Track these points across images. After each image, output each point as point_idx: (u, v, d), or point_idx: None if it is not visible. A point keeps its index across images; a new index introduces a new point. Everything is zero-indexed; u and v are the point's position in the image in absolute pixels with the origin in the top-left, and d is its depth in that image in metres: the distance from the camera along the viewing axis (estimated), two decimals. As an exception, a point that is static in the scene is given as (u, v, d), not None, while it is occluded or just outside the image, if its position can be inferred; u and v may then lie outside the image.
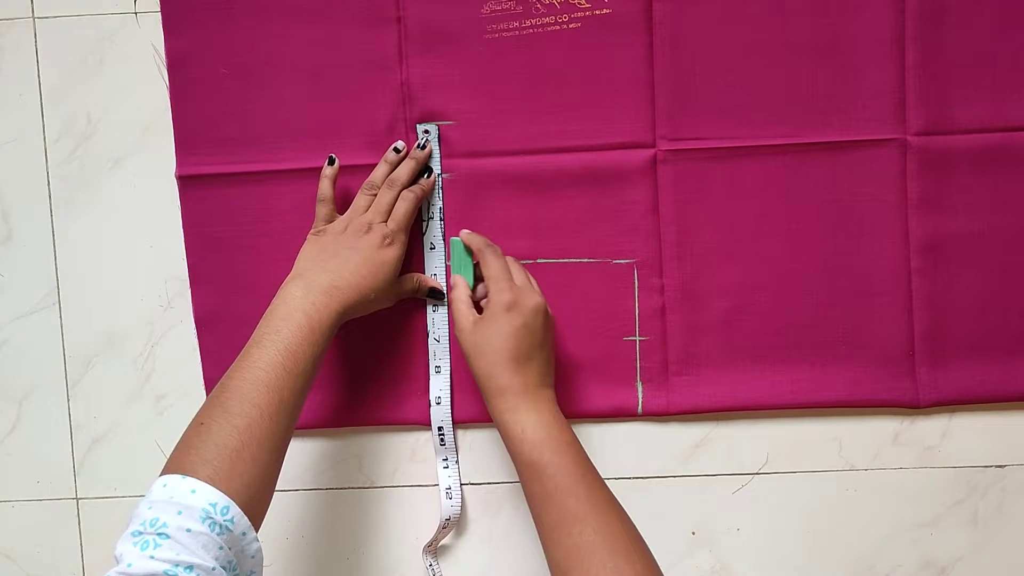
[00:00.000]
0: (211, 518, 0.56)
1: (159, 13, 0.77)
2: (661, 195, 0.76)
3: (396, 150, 0.75)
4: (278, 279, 0.76)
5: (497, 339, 0.68)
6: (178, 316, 0.79)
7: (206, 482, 0.57)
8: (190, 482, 0.57)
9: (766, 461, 0.78)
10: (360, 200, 0.74)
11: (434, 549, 0.78)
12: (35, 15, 0.78)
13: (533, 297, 0.69)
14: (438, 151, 0.76)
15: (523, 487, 0.66)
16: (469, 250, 0.74)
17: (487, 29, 0.75)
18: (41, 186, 0.79)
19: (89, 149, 0.78)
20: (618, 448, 0.78)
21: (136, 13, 0.77)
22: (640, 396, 0.77)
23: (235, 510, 0.57)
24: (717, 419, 0.78)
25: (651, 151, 0.75)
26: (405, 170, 0.74)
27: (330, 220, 0.74)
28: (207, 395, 0.78)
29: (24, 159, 0.79)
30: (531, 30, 0.75)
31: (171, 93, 0.77)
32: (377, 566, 0.80)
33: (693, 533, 0.79)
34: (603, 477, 0.78)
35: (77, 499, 0.80)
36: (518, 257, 0.76)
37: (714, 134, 0.75)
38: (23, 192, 0.79)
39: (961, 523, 0.78)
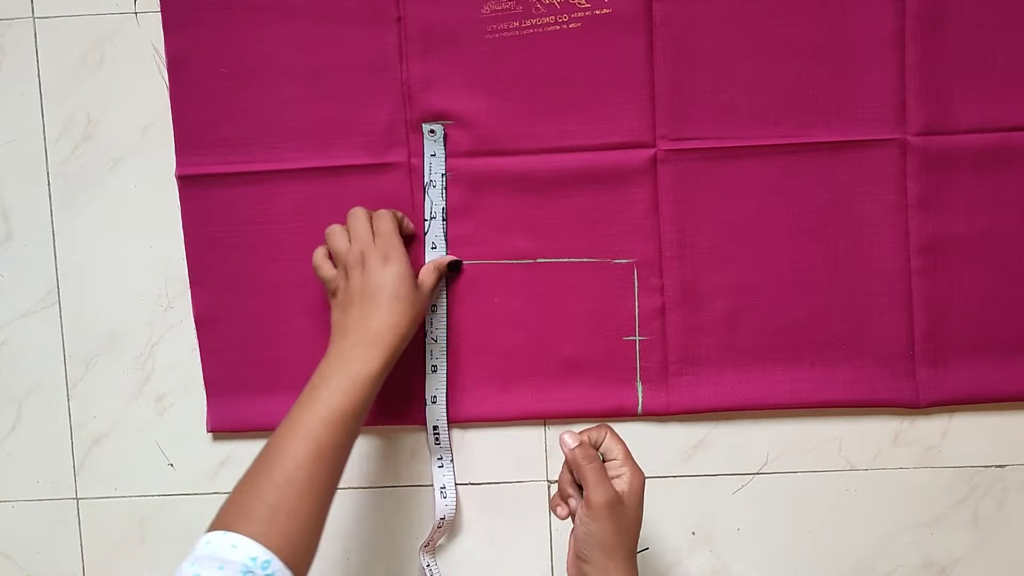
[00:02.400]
0: (251, 572, 0.56)
1: (158, 13, 0.77)
2: (661, 195, 0.76)
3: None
4: (278, 279, 0.76)
5: (636, 520, 0.65)
6: (178, 316, 0.79)
7: (247, 536, 0.57)
8: (231, 537, 0.57)
9: (766, 461, 0.78)
10: (339, 243, 0.71)
11: (431, 549, 0.78)
12: (35, 15, 0.78)
13: (626, 482, 0.65)
14: (443, 150, 0.76)
15: None
16: None
17: (487, 29, 0.75)
18: (41, 186, 0.79)
19: (89, 149, 0.78)
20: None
21: (136, 13, 0.77)
22: (640, 396, 0.77)
23: (276, 563, 0.57)
24: (717, 419, 0.78)
25: (651, 151, 0.75)
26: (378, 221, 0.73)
27: (335, 278, 0.71)
28: (207, 395, 0.78)
29: (24, 159, 0.79)
30: (531, 30, 0.75)
31: (171, 93, 0.77)
32: (377, 566, 0.80)
33: (693, 533, 0.79)
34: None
35: (77, 499, 0.80)
36: (518, 257, 0.76)
37: (714, 134, 0.75)
38: (23, 192, 0.79)
39: (961, 523, 0.78)
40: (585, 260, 0.77)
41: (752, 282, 0.76)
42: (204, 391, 0.79)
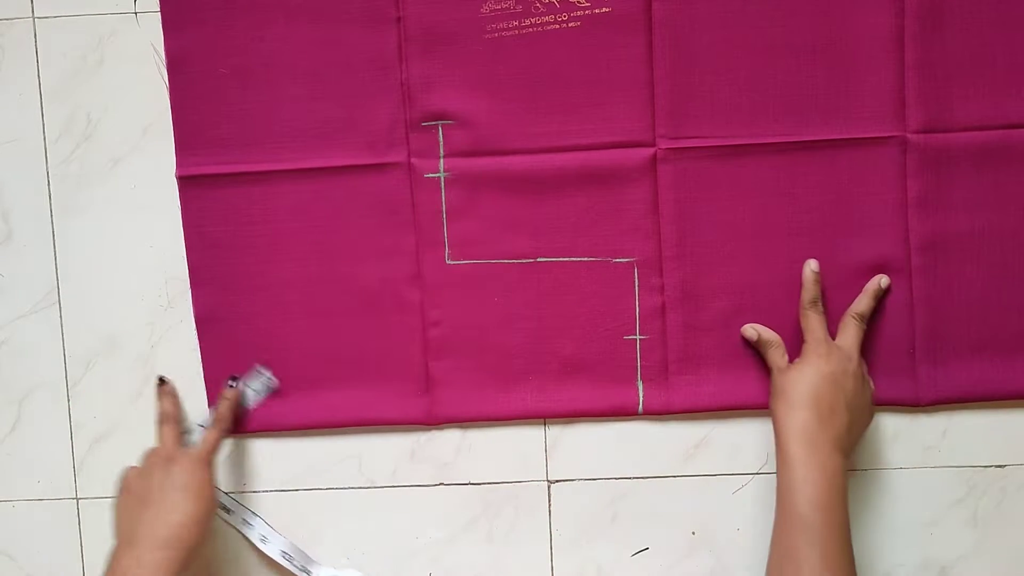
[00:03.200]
0: None
1: (158, 13, 0.77)
2: (661, 194, 0.76)
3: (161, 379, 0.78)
4: (278, 279, 0.76)
5: (801, 380, 0.70)
6: (178, 316, 0.79)
7: None
8: None
9: (766, 461, 0.78)
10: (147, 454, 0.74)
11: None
12: (35, 15, 0.78)
13: (848, 354, 0.71)
14: (441, 149, 0.76)
15: (776, 520, 0.68)
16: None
17: (487, 29, 0.75)
18: (41, 186, 0.79)
19: (89, 149, 0.78)
20: (618, 448, 0.78)
21: (136, 13, 0.77)
22: (641, 395, 0.77)
23: None
24: (717, 419, 0.78)
25: (651, 150, 0.75)
26: (167, 404, 0.76)
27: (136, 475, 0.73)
28: (208, 395, 0.78)
29: (24, 159, 0.79)
30: (531, 29, 0.75)
31: (171, 93, 0.77)
32: (377, 566, 0.79)
33: (693, 533, 0.79)
34: (604, 477, 0.78)
35: (77, 499, 0.80)
36: (518, 256, 0.76)
37: (714, 132, 0.75)
38: (23, 192, 0.79)
39: (961, 523, 0.78)
40: (585, 259, 0.77)
41: (752, 281, 0.76)
42: (205, 390, 0.79)
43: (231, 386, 0.76)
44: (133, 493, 0.72)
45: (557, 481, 0.79)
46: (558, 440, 0.78)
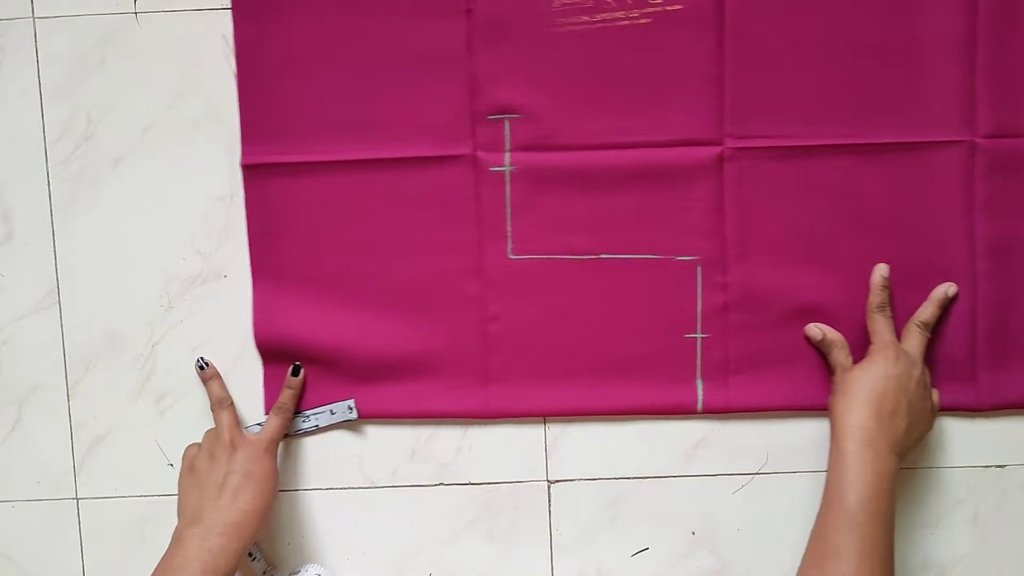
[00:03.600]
0: None
1: (159, 12, 0.77)
2: (726, 193, 0.75)
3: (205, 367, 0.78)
4: (338, 270, 0.76)
5: (865, 379, 0.70)
6: (178, 316, 0.79)
7: None
8: None
9: (766, 461, 0.78)
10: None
11: None
12: (35, 15, 0.78)
13: (913, 360, 0.72)
14: (507, 143, 0.76)
15: (821, 513, 0.68)
16: None
17: (557, 23, 0.75)
18: (41, 186, 0.79)
19: (89, 149, 0.78)
20: (618, 448, 0.78)
21: (136, 13, 0.77)
22: (700, 394, 0.77)
23: None
24: (717, 419, 0.78)
25: (718, 148, 0.75)
26: (217, 388, 0.77)
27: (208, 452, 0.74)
28: (265, 387, 0.78)
29: (24, 159, 0.79)
30: (601, 24, 0.74)
31: (238, 82, 0.76)
32: (377, 566, 0.79)
33: (693, 533, 0.79)
34: (604, 477, 0.78)
35: (77, 499, 0.80)
36: (581, 253, 0.76)
37: (781, 132, 0.75)
38: (23, 192, 0.79)
39: (961, 523, 0.78)
40: (647, 256, 0.76)
41: (816, 282, 0.76)
42: (263, 381, 0.78)
43: (293, 375, 0.76)
44: (198, 474, 0.72)
45: (557, 481, 0.79)
46: (558, 440, 0.78)
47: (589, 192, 0.76)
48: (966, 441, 0.77)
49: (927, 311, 0.74)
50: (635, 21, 0.74)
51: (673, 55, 0.75)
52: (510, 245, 0.77)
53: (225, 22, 0.77)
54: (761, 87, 0.74)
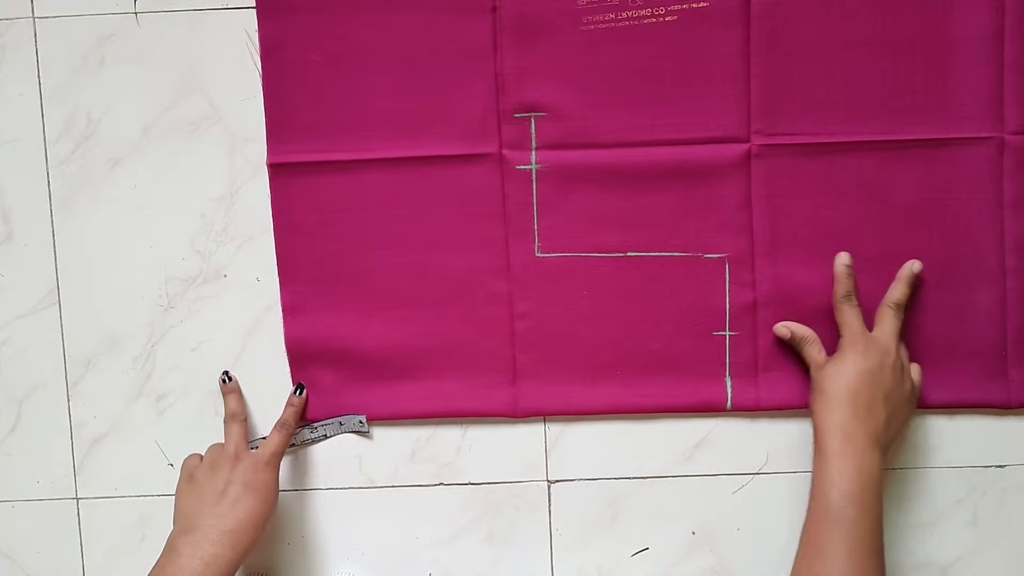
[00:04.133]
0: None
1: (159, 13, 0.77)
2: (754, 190, 0.75)
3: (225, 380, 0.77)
4: (365, 268, 0.76)
5: (840, 378, 0.69)
6: (178, 316, 0.79)
7: None
8: None
9: (766, 461, 0.78)
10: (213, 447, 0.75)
11: None
12: (35, 15, 0.78)
13: (885, 348, 0.71)
14: (533, 141, 0.76)
15: (808, 514, 0.68)
16: None
17: (583, 20, 0.75)
18: (41, 186, 0.79)
19: (89, 149, 0.78)
20: (618, 448, 0.78)
21: (136, 13, 0.77)
22: (729, 391, 0.77)
23: None
24: (717, 419, 0.78)
25: (745, 145, 0.75)
26: (234, 403, 0.77)
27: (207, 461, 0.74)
28: (292, 382, 0.78)
29: (24, 159, 0.79)
30: (627, 22, 0.74)
31: (263, 80, 0.76)
32: (377, 566, 0.80)
33: (693, 533, 0.79)
34: (604, 477, 0.78)
35: (77, 499, 0.80)
36: (608, 250, 0.76)
37: (809, 129, 0.75)
38: (23, 192, 0.79)
39: (961, 523, 0.78)
40: (676, 254, 0.76)
41: None
42: (290, 379, 0.79)
43: (297, 393, 0.77)
44: (197, 483, 0.72)
45: (557, 481, 0.79)
46: (558, 440, 0.78)
47: (616, 190, 0.76)
48: (966, 441, 0.77)
49: (897, 290, 0.74)
50: (661, 19, 0.74)
51: (699, 52, 0.75)
52: (537, 243, 0.77)
53: (226, 22, 0.77)
54: (788, 84, 0.74)
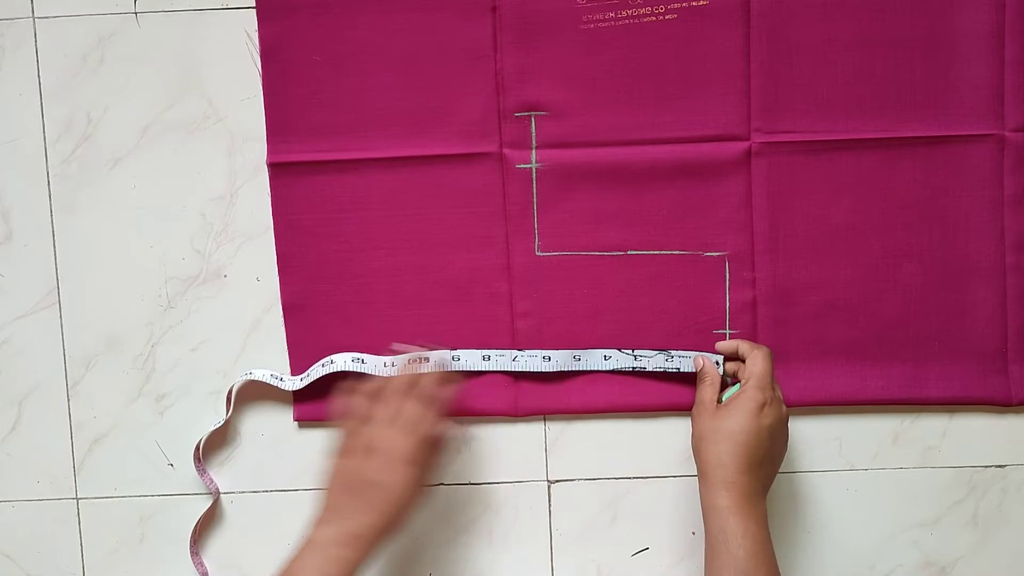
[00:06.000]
0: None
1: (159, 13, 0.77)
2: (755, 188, 0.75)
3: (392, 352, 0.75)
4: (367, 267, 0.76)
5: (739, 432, 0.68)
6: (178, 316, 0.79)
7: None
8: None
9: (766, 461, 0.78)
10: (380, 412, 0.70)
11: None
12: (35, 15, 0.78)
13: (783, 409, 0.70)
14: (533, 140, 0.76)
15: (710, 567, 0.67)
16: None
17: (583, 19, 0.75)
18: (41, 186, 0.79)
19: (89, 149, 0.78)
20: (618, 448, 0.78)
21: (136, 13, 0.77)
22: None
23: None
24: (717, 419, 0.78)
25: (745, 144, 0.75)
26: (423, 377, 0.72)
27: (355, 434, 0.70)
28: (292, 375, 0.78)
29: (24, 159, 0.79)
30: (627, 21, 0.74)
31: (264, 80, 0.76)
32: (377, 566, 0.79)
33: (693, 533, 0.79)
34: (604, 477, 0.78)
35: (77, 499, 0.80)
36: (608, 249, 0.76)
37: (809, 127, 0.75)
38: (23, 192, 0.79)
39: (961, 523, 0.78)
40: (676, 253, 0.76)
41: (844, 277, 0.76)
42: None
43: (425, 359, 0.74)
44: (352, 469, 0.68)
45: (557, 481, 0.79)
46: (558, 440, 0.78)
47: (616, 188, 0.76)
48: (966, 441, 0.77)
49: (731, 364, 0.74)
50: (661, 17, 0.74)
51: (699, 51, 0.75)
52: (537, 242, 0.77)
53: (226, 22, 0.77)
54: (788, 81, 0.75)
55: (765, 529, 0.67)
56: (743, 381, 0.71)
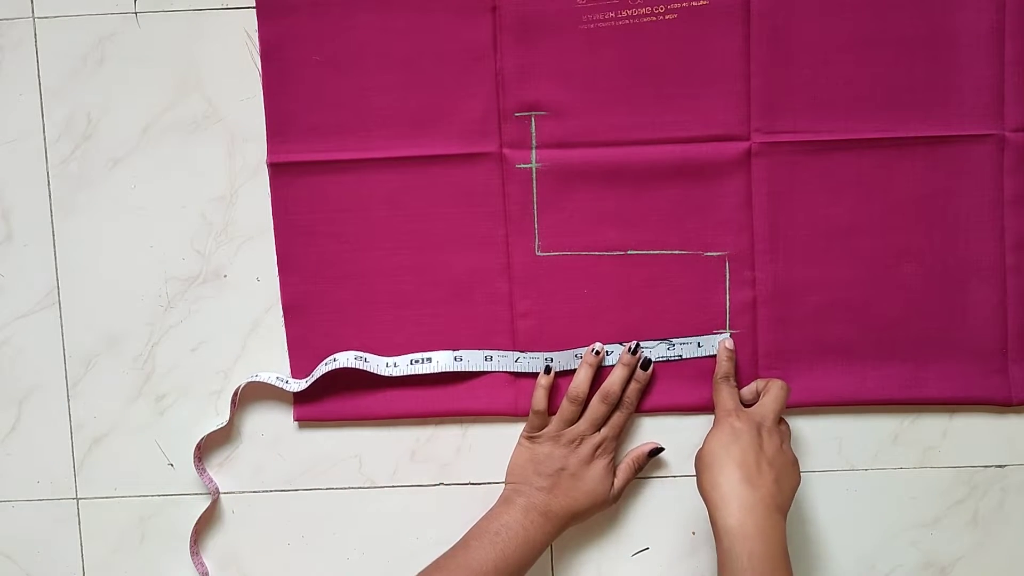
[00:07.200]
0: None
1: (159, 13, 0.77)
2: (755, 188, 0.75)
3: (595, 352, 0.75)
4: (367, 267, 0.76)
5: (720, 449, 0.69)
6: (178, 316, 0.79)
7: None
8: None
9: (766, 461, 0.78)
10: (567, 410, 0.75)
11: None
12: (35, 15, 0.78)
13: (761, 416, 0.71)
14: (533, 140, 0.76)
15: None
16: None
17: (583, 19, 0.75)
18: (41, 186, 0.79)
19: (89, 149, 0.78)
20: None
21: (136, 13, 0.77)
22: None
23: None
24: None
25: (746, 144, 0.75)
26: (618, 381, 0.75)
27: (541, 428, 0.75)
28: (292, 376, 0.78)
29: (24, 159, 0.79)
30: (627, 21, 0.74)
31: (263, 80, 0.76)
32: (377, 566, 0.80)
33: (693, 533, 0.79)
34: (603, 477, 0.78)
35: (77, 499, 0.80)
36: (608, 249, 0.76)
37: (810, 127, 0.75)
38: (23, 192, 0.79)
39: (961, 523, 0.78)
40: (676, 252, 0.76)
41: (845, 277, 0.76)
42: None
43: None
44: (557, 455, 0.74)
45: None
46: (558, 440, 0.78)
47: (616, 188, 0.76)
48: (966, 441, 0.77)
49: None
50: (661, 17, 0.74)
51: (699, 51, 0.75)
52: (537, 242, 0.77)
53: (226, 22, 0.77)
54: (789, 81, 0.74)
55: (776, 546, 0.65)
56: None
